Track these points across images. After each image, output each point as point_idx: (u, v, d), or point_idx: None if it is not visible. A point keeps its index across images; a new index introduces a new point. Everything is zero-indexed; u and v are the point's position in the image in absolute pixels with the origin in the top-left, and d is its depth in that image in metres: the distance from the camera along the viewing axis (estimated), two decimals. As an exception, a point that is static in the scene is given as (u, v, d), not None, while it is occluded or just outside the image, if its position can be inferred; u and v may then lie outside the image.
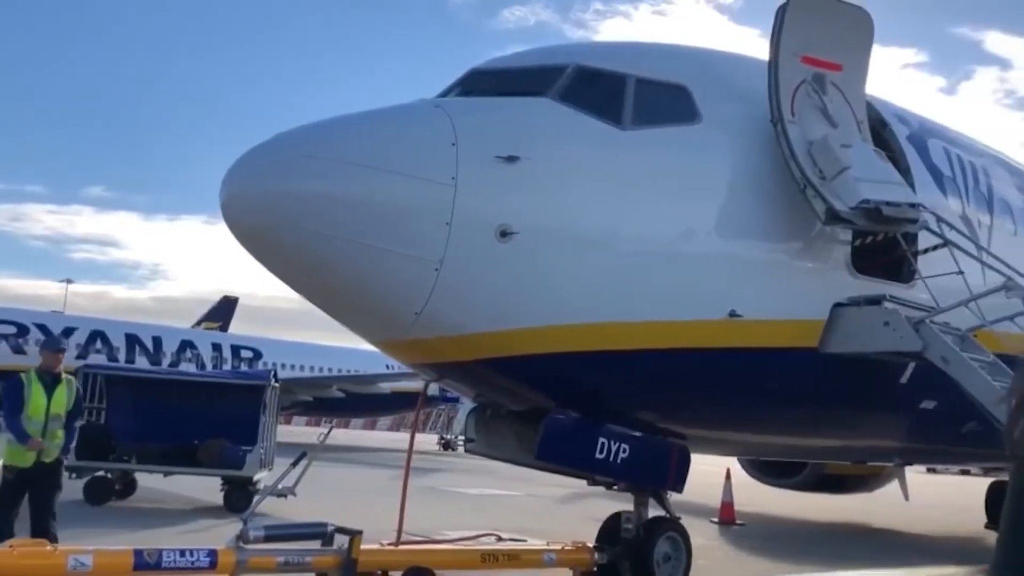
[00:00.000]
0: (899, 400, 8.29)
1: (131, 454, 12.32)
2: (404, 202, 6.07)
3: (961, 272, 7.76)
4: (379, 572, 6.23)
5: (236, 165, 6.13)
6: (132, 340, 31.32)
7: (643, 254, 6.78)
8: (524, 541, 7.54)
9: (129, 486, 12.68)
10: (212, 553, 5.64)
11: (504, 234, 6.18)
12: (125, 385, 14.01)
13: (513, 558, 6.64)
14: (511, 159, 6.23)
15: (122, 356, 30.20)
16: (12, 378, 7.47)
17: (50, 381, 7.39)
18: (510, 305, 6.41)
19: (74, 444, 8.03)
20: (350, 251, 6.05)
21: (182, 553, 5.54)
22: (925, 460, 18.55)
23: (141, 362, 29.93)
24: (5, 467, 7.25)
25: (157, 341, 32.09)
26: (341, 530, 6.18)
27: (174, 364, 31.09)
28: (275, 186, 6.00)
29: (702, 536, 11.12)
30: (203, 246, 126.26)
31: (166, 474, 12.68)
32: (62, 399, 7.38)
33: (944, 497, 21.75)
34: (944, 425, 8.70)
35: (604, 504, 9.26)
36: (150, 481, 12.89)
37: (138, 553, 5.43)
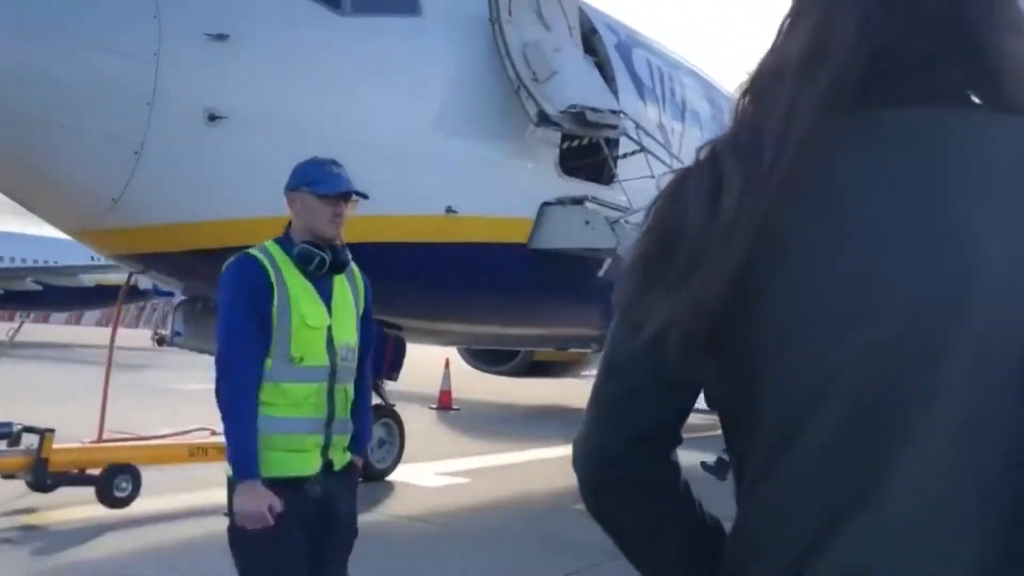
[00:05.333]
0: (597, 292, 9.03)
1: None
2: (99, 78, 5.56)
3: (654, 176, 8.48)
4: (76, 471, 5.93)
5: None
6: None
7: (359, 146, 6.73)
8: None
9: None
10: None
11: (212, 118, 5.88)
12: None
13: (224, 451, 6.55)
14: (221, 37, 5.88)
15: None
16: (241, 264, 2.79)
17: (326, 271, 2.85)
18: (219, 194, 6.15)
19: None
20: (38, 131, 5.49)
21: None
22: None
23: None
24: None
25: None
26: (29, 429, 5.78)
27: None
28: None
29: (419, 421, 11.60)
30: None
31: None
32: (350, 309, 2.93)
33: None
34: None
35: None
36: None
37: None
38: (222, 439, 2.82)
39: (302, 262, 2.76)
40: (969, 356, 0.83)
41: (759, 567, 0.90)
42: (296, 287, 2.74)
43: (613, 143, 8.54)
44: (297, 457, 2.72)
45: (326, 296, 2.82)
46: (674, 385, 0.97)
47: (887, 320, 0.85)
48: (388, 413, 7.90)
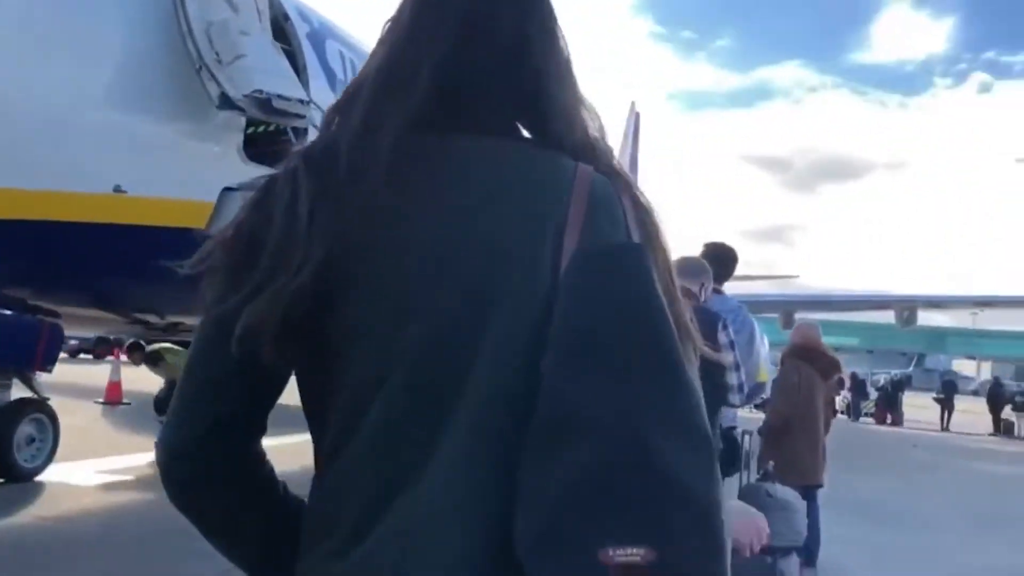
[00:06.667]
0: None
1: None
2: None
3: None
4: None
5: None
6: None
7: (24, 116, 6.11)
8: None
9: None
10: None
11: None
12: None
13: None
14: None
15: None
16: None
17: None
18: None
19: None
20: None
21: None
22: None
23: None
24: None
25: None
26: None
27: None
28: None
29: (82, 417, 10.72)
30: None
31: None
32: None
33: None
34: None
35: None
36: None
37: None
38: None
39: None
40: (494, 348, 0.97)
41: (325, 544, 0.98)
42: None
43: (302, 132, 8.43)
44: None
45: None
46: (260, 378, 1.04)
47: (434, 317, 0.98)
48: (40, 407, 7.24)
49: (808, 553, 6.49)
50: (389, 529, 0.94)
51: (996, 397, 29.36)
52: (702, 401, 0.96)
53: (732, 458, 4.84)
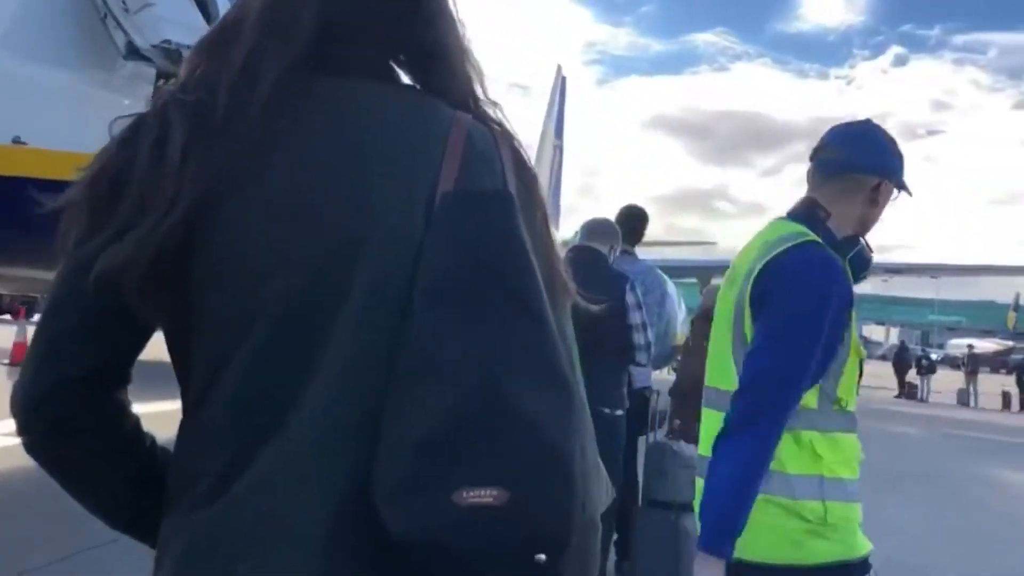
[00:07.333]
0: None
1: None
2: None
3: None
4: None
5: None
6: None
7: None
8: None
9: None
10: None
11: None
12: None
13: None
14: None
15: None
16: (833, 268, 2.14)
17: None
18: None
19: None
20: None
21: None
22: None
23: None
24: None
25: None
26: None
27: None
28: None
29: (-17, 379, 10.32)
30: None
31: None
32: None
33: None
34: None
35: None
36: None
37: None
38: None
39: (859, 269, 2.23)
40: (363, 297, 0.96)
41: (191, 491, 0.96)
42: None
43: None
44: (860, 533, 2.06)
45: None
46: (123, 326, 1.00)
47: (301, 266, 0.96)
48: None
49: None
50: (252, 479, 0.92)
51: (901, 361, 30.62)
52: (563, 347, 0.97)
53: (642, 418, 4.95)
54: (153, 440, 1.10)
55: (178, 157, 0.95)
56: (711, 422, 2.13)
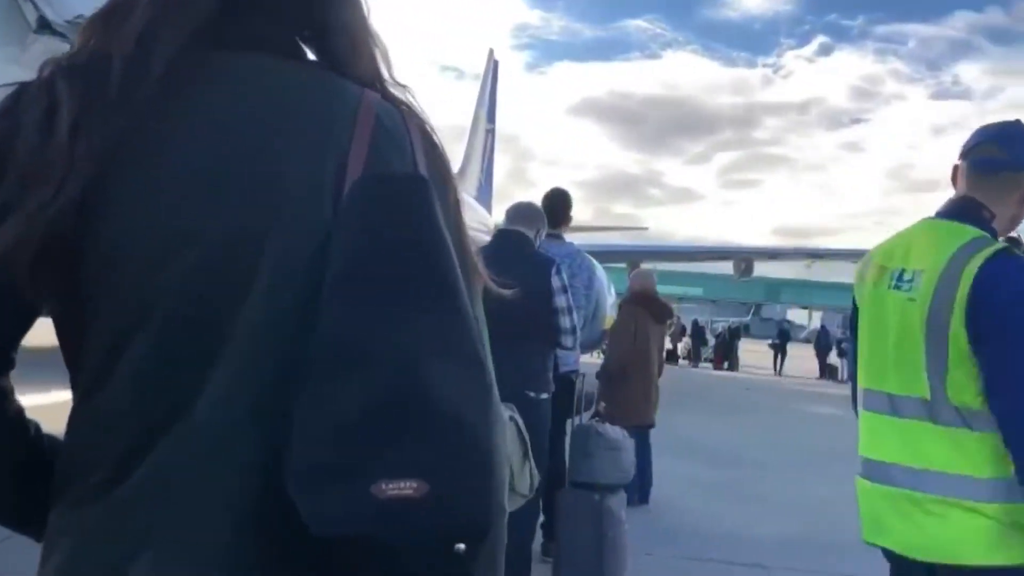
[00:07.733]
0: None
1: None
2: None
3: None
4: None
5: None
6: None
7: None
8: None
9: None
10: None
11: None
12: None
13: None
14: None
15: None
16: None
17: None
18: None
19: None
20: None
21: None
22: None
23: None
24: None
25: None
26: None
27: None
28: None
29: None
30: None
31: None
32: None
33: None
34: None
35: None
36: None
37: None
38: None
39: None
40: (268, 280, 0.93)
41: (84, 480, 0.92)
42: None
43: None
44: None
45: None
46: (7, 305, 0.95)
47: (207, 246, 0.92)
48: None
49: (642, 491, 6.81)
50: (155, 464, 0.89)
51: (822, 344, 31.53)
52: (478, 330, 0.96)
53: (568, 401, 4.97)
54: (38, 427, 1.05)
55: (67, 132, 0.90)
56: (880, 427, 2.20)
